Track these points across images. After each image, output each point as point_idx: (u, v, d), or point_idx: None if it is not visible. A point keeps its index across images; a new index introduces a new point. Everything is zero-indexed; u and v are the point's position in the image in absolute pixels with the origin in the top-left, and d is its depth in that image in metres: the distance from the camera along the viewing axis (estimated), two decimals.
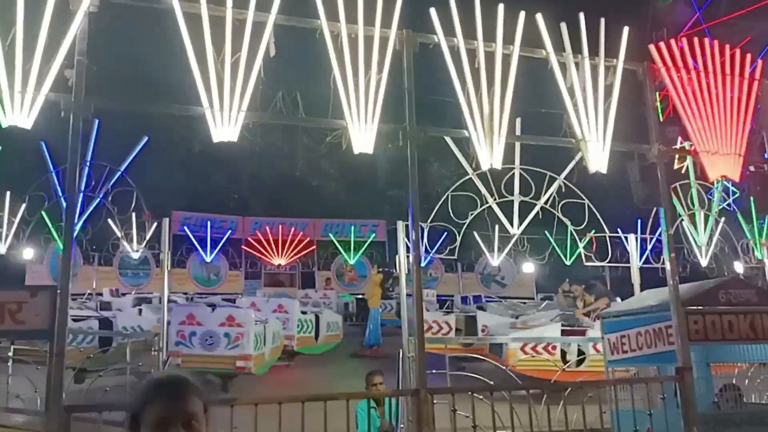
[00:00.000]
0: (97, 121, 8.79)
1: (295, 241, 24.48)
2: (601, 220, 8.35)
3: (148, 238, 21.93)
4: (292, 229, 24.52)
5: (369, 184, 25.86)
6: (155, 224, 7.64)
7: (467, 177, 8.07)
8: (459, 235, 8.07)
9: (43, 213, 16.57)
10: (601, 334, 7.35)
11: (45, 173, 8.95)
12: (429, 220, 7.87)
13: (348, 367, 12.67)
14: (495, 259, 23.43)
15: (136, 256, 22.13)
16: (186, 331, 9.91)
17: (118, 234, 21.04)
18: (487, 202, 8.20)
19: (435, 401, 6.14)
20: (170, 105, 5.13)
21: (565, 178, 8.19)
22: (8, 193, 15.20)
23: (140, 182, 23.08)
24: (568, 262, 23.57)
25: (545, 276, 25.84)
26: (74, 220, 4.51)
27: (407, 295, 6.52)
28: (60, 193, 8.79)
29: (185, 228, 22.95)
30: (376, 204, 25.28)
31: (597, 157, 6.12)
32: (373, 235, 24.69)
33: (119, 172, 8.21)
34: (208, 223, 23.34)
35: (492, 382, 6.97)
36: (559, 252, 23.11)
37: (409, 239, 5.92)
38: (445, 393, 5.68)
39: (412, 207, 5.38)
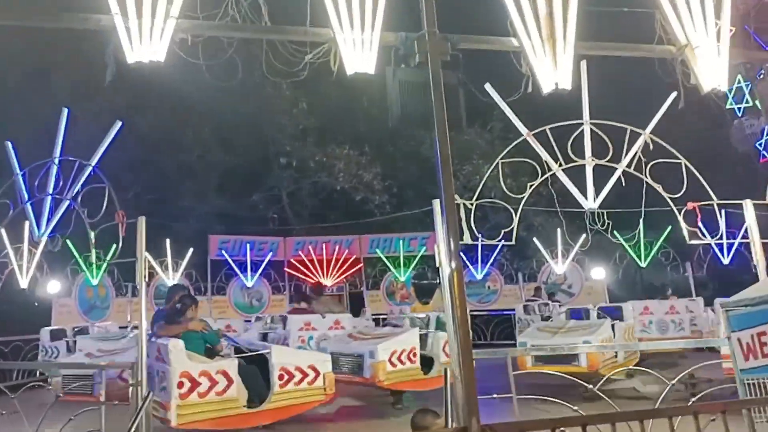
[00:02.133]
0: (66, 110, 7.39)
1: (341, 260, 22.83)
2: (704, 183, 6.26)
3: (184, 265, 20.87)
4: (337, 248, 22.89)
5: (415, 196, 24.05)
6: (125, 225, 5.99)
7: (521, 138, 6.18)
8: (516, 214, 6.16)
9: (68, 242, 15.50)
10: (725, 333, 5.34)
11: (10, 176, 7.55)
12: (474, 198, 5.99)
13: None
14: (560, 265, 21.29)
15: (171, 284, 21.04)
16: None
17: (153, 263, 19.94)
18: (550, 170, 6.26)
19: None
20: (59, 15, 3.51)
21: (652, 132, 6.22)
22: (26, 222, 13.91)
23: (174, 207, 22.05)
24: (643, 264, 21.11)
25: (617, 282, 23.37)
26: None
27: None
28: (26, 198, 7.36)
29: (223, 252, 21.63)
30: (425, 216, 23.39)
31: (710, 70, 4.20)
32: (424, 248, 22.75)
33: (91, 168, 6.68)
34: (248, 245, 21.95)
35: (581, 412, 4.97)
36: (631, 252, 20.64)
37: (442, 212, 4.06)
38: (511, 431, 3.74)
39: (440, 147, 3.57)
